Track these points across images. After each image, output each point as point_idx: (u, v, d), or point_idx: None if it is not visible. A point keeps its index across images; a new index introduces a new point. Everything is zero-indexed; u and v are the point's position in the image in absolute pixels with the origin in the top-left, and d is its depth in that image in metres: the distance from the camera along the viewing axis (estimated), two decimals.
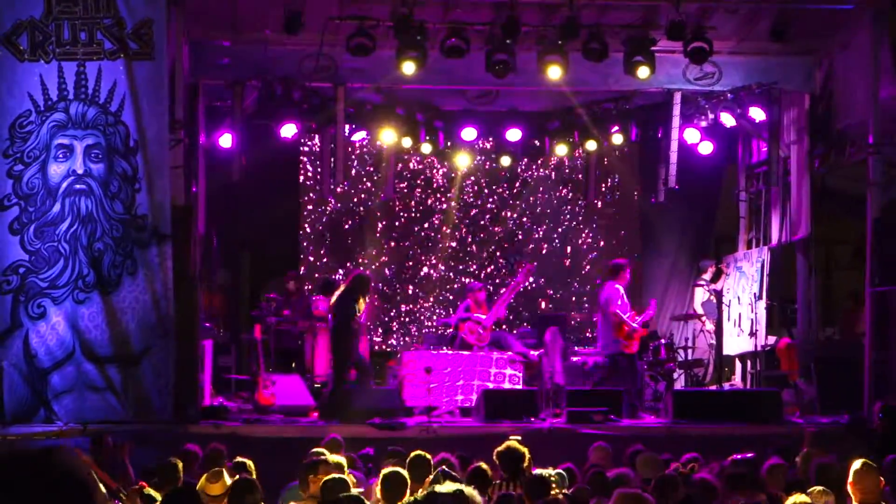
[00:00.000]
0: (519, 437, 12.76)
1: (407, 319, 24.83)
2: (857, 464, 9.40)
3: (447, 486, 7.51)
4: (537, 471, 11.71)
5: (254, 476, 11.34)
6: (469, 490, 7.22)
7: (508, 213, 25.12)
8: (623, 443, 14.77)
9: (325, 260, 24.66)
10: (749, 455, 12.94)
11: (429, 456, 11.57)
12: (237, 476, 11.03)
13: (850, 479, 9.33)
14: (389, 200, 24.35)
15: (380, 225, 24.84)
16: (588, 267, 25.21)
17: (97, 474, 11.11)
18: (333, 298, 19.70)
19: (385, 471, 10.12)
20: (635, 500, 9.10)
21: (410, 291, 24.88)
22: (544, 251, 25.10)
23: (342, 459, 11.74)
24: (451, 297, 24.40)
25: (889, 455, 11.94)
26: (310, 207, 24.71)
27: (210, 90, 20.54)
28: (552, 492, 10.60)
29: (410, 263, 24.86)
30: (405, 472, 10.09)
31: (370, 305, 19.98)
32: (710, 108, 21.19)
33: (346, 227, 24.81)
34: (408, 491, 9.73)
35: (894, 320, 18.58)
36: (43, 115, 17.39)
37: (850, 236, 21.30)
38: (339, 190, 23.74)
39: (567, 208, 25.23)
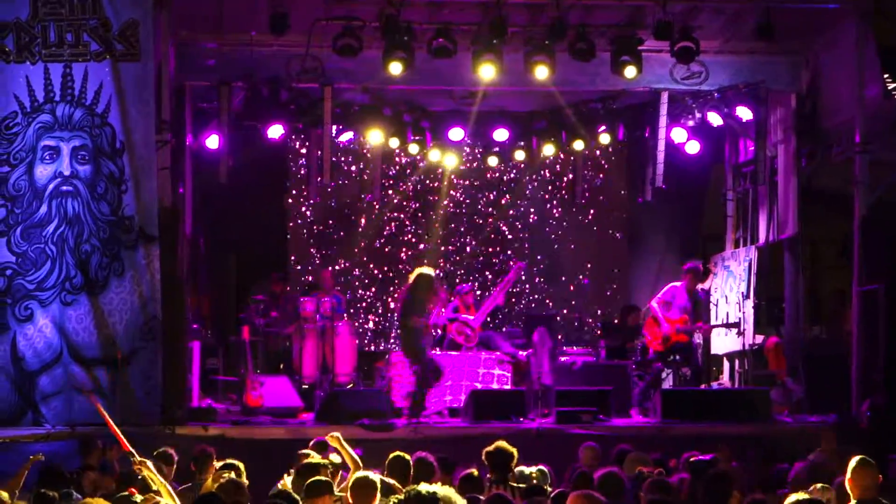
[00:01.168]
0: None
1: (395, 320, 24.80)
2: (854, 460, 9.40)
3: (429, 487, 7.51)
4: (519, 468, 11.74)
5: (244, 478, 11.32)
6: (447, 490, 7.21)
7: (496, 213, 25.10)
8: (612, 443, 14.77)
9: (312, 261, 24.62)
10: (708, 457, 12.92)
11: (408, 457, 11.57)
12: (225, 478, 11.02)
13: (848, 475, 9.33)
14: (376, 201, 24.31)
15: (367, 225, 24.80)
16: (575, 266, 25.17)
17: (116, 437, 11.14)
18: (401, 299, 19.72)
19: (357, 475, 10.08)
20: (588, 500, 9.19)
21: (398, 292, 24.82)
22: (531, 250, 25.07)
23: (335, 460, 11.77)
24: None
25: (877, 452, 11.96)
26: (297, 208, 24.66)
27: (196, 91, 20.51)
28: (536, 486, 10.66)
29: (398, 264, 24.82)
30: (375, 477, 10.02)
31: (437, 302, 19.91)
32: (697, 108, 21.21)
33: (333, 227, 24.76)
34: (377, 495, 9.67)
35: (881, 319, 18.59)
36: (29, 116, 17.36)
37: (837, 235, 21.33)
38: (326, 190, 23.69)
39: (555, 208, 25.21)
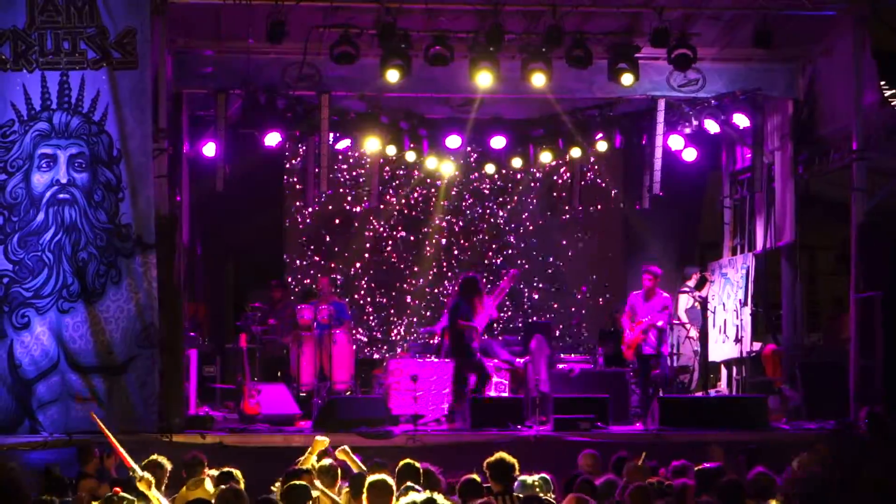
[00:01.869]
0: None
1: (393, 328, 24.80)
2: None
3: (419, 496, 7.50)
4: (522, 476, 11.72)
5: (241, 486, 11.32)
6: (441, 499, 7.21)
7: (493, 220, 25.11)
8: (609, 450, 14.75)
9: (309, 269, 24.62)
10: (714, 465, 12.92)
11: (418, 464, 11.57)
12: (224, 485, 11.01)
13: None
14: (374, 208, 24.31)
15: (364, 233, 24.81)
16: (572, 274, 25.17)
17: (115, 450, 11.12)
18: (449, 304, 19.78)
19: (371, 478, 10.12)
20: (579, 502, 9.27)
21: (395, 299, 24.84)
22: (529, 258, 25.08)
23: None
24: (436, 305, 24.35)
25: (874, 461, 11.91)
26: (294, 216, 24.67)
27: (194, 99, 20.53)
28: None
29: (395, 271, 24.83)
30: (391, 480, 10.08)
31: (482, 307, 19.95)
32: (693, 115, 21.22)
33: (331, 235, 24.77)
34: (393, 498, 9.73)
35: (879, 326, 18.59)
36: (26, 124, 17.35)
37: (834, 242, 21.35)
38: (323, 198, 23.69)
39: (552, 215, 25.22)
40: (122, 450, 11.35)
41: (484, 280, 22.36)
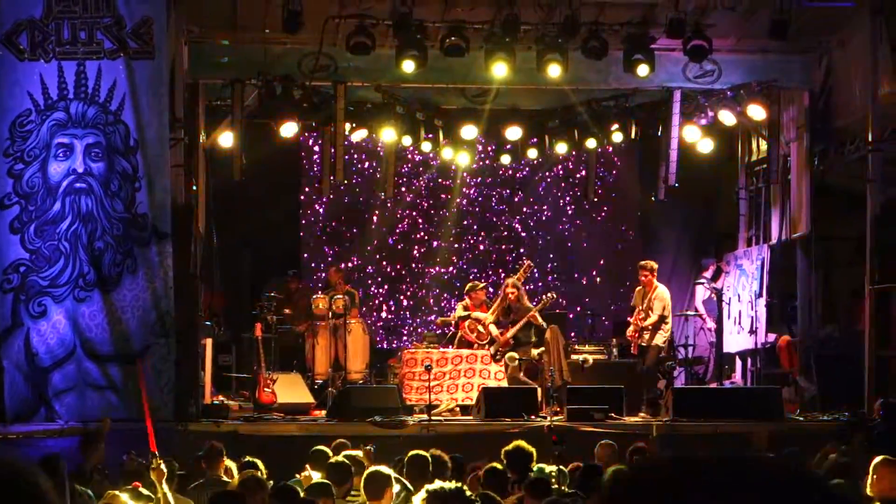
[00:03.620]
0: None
1: (407, 317, 24.85)
2: (877, 460, 9.39)
3: (445, 485, 7.54)
4: (540, 465, 11.76)
5: (264, 475, 11.39)
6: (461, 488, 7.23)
7: (508, 211, 25.14)
8: (623, 440, 14.77)
9: (325, 259, 24.68)
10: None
11: (428, 455, 11.59)
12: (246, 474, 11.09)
13: (871, 473, 9.31)
14: (389, 199, 24.35)
15: (380, 223, 24.86)
16: (587, 264, 25.20)
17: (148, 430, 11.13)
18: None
19: (368, 470, 10.15)
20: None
21: (410, 289, 24.89)
22: (544, 249, 25.10)
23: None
24: (451, 296, 24.38)
25: (890, 452, 11.94)
26: (310, 206, 24.73)
27: (210, 89, 20.56)
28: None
29: (410, 261, 24.88)
30: (389, 471, 10.10)
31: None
32: (709, 106, 21.20)
33: (346, 225, 24.83)
34: (391, 490, 9.74)
35: (894, 317, 18.58)
36: (43, 114, 17.41)
37: (850, 233, 21.27)
38: (339, 188, 23.73)
39: (567, 206, 25.24)
40: (153, 434, 11.39)
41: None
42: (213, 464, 12.62)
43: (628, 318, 20.52)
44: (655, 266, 20.32)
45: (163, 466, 10.55)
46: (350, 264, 24.09)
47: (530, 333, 19.85)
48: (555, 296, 20.86)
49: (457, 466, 12.38)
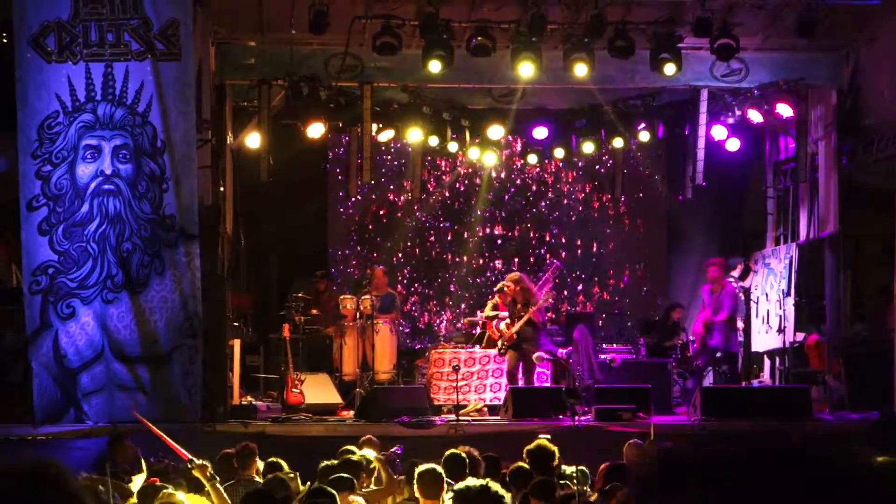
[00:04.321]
0: (548, 436, 12.77)
1: (435, 318, 24.85)
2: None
3: (471, 482, 7.53)
4: (562, 466, 11.74)
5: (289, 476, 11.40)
6: (495, 485, 7.23)
7: (535, 211, 25.12)
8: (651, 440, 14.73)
9: (353, 259, 24.72)
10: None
11: (464, 454, 11.56)
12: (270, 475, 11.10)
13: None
14: (416, 199, 24.35)
15: (407, 224, 24.87)
16: (615, 264, 25.17)
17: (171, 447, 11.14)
18: None
19: (421, 468, 10.13)
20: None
21: (438, 289, 24.89)
22: (571, 248, 25.08)
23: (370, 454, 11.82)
24: (479, 295, 24.37)
25: None
26: (337, 207, 24.76)
27: (237, 90, 20.61)
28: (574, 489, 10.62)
29: (438, 262, 24.88)
30: (441, 469, 10.12)
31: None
32: (736, 105, 21.15)
33: (374, 226, 24.85)
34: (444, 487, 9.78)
35: None
36: (71, 115, 17.45)
37: (878, 232, 21.18)
38: (366, 189, 23.76)
39: (594, 206, 25.22)
40: (177, 446, 11.42)
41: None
42: (245, 463, 12.65)
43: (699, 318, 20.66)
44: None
45: (205, 462, 10.58)
46: (376, 264, 24.09)
47: (534, 330, 19.74)
48: (551, 299, 20.94)
49: (492, 465, 12.37)
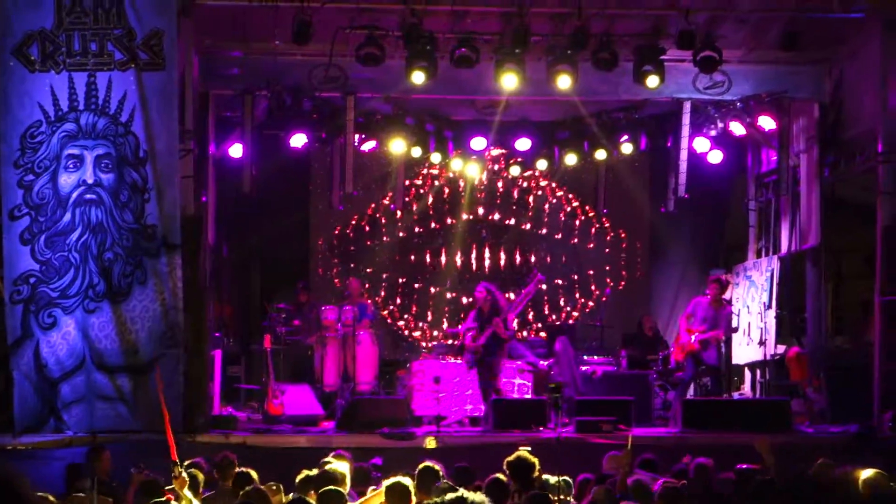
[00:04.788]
0: (529, 448, 12.76)
1: (416, 329, 24.84)
2: (867, 472, 9.39)
3: (454, 494, 7.52)
4: (545, 475, 11.74)
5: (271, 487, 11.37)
6: (475, 496, 7.21)
7: (517, 222, 25.13)
8: (634, 452, 14.73)
9: (335, 270, 24.69)
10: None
11: (437, 467, 11.55)
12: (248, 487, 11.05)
13: (861, 487, 9.31)
14: (399, 210, 24.34)
15: (389, 234, 24.86)
16: (597, 276, 25.19)
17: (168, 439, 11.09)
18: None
19: (389, 481, 10.12)
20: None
21: (419, 301, 24.88)
22: (553, 260, 25.09)
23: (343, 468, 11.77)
24: (460, 307, 24.38)
25: None
26: (320, 217, 24.75)
27: (220, 100, 20.58)
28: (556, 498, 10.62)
29: (420, 273, 24.87)
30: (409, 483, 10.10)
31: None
32: (719, 118, 21.19)
33: (356, 236, 24.84)
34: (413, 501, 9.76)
35: None
36: (53, 125, 17.42)
37: (860, 245, 21.27)
38: (349, 200, 23.74)
39: (577, 217, 25.24)
40: (173, 443, 11.38)
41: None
42: (225, 474, 12.62)
43: (681, 324, 20.63)
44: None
45: (184, 474, 10.54)
46: (360, 275, 24.06)
47: (499, 343, 19.67)
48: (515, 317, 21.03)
49: (466, 476, 12.35)
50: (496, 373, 19.61)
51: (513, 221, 25.11)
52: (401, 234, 24.89)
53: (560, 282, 25.00)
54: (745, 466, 12.73)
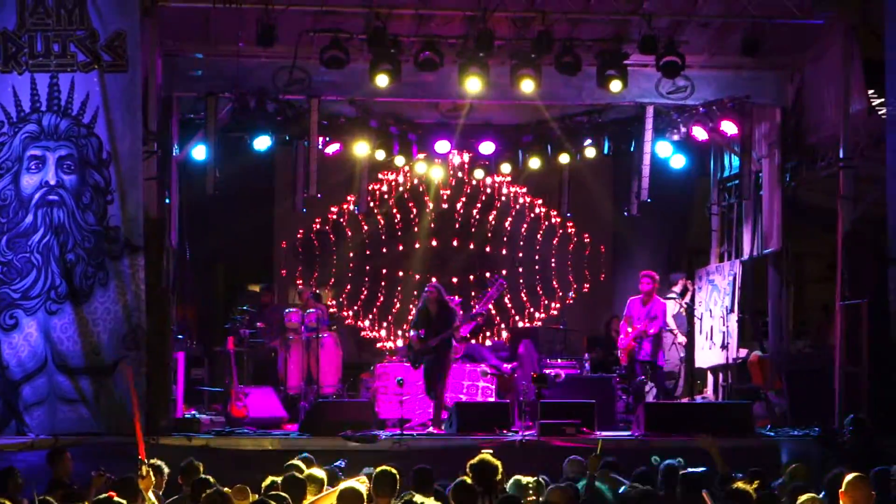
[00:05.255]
0: (491, 451, 12.75)
1: (380, 332, 24.82)
2: (850, 476, 9.42)
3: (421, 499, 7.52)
4: (517, 476, 11.74)
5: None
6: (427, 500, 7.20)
7: (482, 226, 25.14)
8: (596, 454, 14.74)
9: (298, 272, 24.65)
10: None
11: (395, 471, 11.52)
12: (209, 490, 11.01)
13: (843, 489, 9.33)
14: (362, 213, 24.29)
15: (353, 237, 24.84)
16: (560, 279, 25.23)
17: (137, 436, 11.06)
18: None
19: (342, 485, 10.10)
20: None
21: (383, 304, 24.85)
22: (516, 264, 25.12)
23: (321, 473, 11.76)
24: None
25: (860, 467, 11.97)
26: (283, 220, 24.70)
27: (184, 102, 20.52)
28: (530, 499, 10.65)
29: (383, 276, 24.84)
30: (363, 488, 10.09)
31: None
32: (682, 122, 21.28)
33: (320, 239, 24.81)
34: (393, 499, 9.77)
35: (864, 333, 18.63)
36: (16, 126, 17.38)
37: (821, 249, 21.37)
38: (312, 202, 23.68)
39: (540, 221, 25.28)
40: (142, 441, 11.35)
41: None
42: (190, 480, 12.57)
43: (621, 328, 20.69)
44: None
45: (151, 476, 10.51)
46: (311, 282, 24.05)
47: (444, 345, 19.58)
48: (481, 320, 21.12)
49: (425, 477, 12.33)
50: (446, 372, 19.50)
51: (477, 224, 25.08)
52: (364, 238, 24.85)
53: (523, 285, 25.01)
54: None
